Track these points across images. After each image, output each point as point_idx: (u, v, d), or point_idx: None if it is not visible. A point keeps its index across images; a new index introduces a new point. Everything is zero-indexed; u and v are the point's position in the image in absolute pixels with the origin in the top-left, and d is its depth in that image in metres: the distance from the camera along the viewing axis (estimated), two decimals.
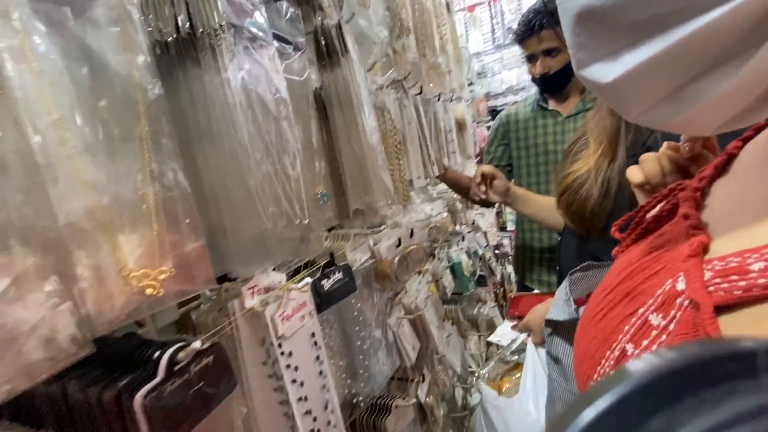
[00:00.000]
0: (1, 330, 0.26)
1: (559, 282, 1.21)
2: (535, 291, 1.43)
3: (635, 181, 0.51)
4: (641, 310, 0.25)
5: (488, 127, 2.45)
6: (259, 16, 0.50)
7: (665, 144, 0.49)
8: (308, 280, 0.54)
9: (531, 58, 1.39)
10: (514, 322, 1.01)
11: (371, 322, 0.82)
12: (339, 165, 0.72)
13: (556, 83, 1.40)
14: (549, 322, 0.62)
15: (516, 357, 1.07)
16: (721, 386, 0.11)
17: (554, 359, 0.61)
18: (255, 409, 0.51)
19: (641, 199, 0.60)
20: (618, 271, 0.32)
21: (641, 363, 0.12)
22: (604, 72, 0.23)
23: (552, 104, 1.46)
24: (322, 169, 0.62)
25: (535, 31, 1.32)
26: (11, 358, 0.27)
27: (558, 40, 1.31)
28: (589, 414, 0.11)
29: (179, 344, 0.37)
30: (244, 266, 0.48)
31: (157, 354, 0.36)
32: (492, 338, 1.10)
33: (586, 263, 0.58)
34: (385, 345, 0.88)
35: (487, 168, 1.21)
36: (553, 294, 0.98)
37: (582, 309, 0.55)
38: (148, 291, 0.33)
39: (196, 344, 0.37)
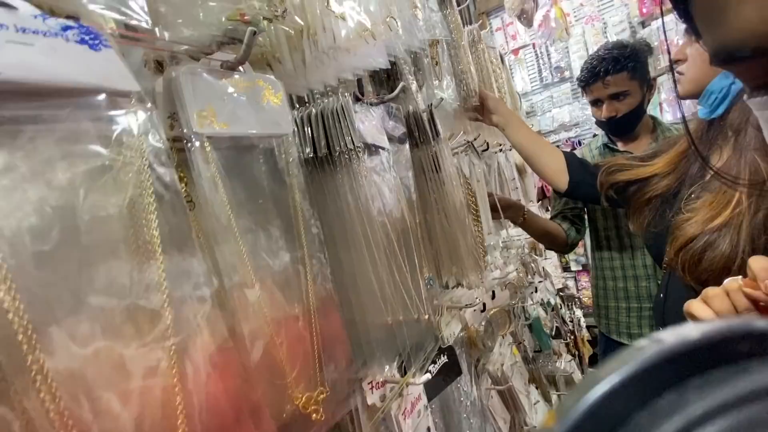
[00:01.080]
0: None
1: (655, 319, 1.07)
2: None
3: (705, 318, 0.47)
4: None
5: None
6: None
7: (740, 280, 0.46)
8: (429, 375, 0.53)
9: (596, 103, 1.37)
10: None
11: (470, 402, 0.78)
12: (433, 242, 0.72)
13: (623, 126, 1.36)
14: None
15: None
16: (731, 366, 0.11)
17: None
18: None
19: None
20: None
21: (651, 342, 0.11)
22: None
23: (621, 146, 1.41)
24: (426, 254, 0.62)
25: (600, 76, 1.30)
26: None
27: (625, 84, 1.28)
28: (596, 392, 0.11)
29: None
30: (379, 367, 0.48)
31: None
32: None
33: None
34: (479, 420, 0.82)
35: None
36: None
37: None
38: (314, 417, 0.33)
39: None
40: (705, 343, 0.11)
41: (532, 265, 1.60)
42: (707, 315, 0.47)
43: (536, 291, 1.55)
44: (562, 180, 1.13)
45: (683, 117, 0.65)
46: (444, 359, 0.63)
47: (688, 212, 0.82)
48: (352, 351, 0.49)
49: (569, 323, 2.47)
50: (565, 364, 1.77)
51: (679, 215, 0.84)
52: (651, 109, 2.62)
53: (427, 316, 0.51)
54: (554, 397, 1.64)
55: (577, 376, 1.82)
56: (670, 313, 0.95)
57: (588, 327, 2.53)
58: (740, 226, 0.70)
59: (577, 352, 2.51)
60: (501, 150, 1.58)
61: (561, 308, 2.14)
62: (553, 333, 1.62)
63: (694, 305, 0.49)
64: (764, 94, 0.27)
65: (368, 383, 0.52)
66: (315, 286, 0.39)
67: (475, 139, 1.14)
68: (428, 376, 0.52)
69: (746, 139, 0.67)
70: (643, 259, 1.34)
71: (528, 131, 1.20)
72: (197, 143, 0.34)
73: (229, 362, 0.29)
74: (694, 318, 0.51)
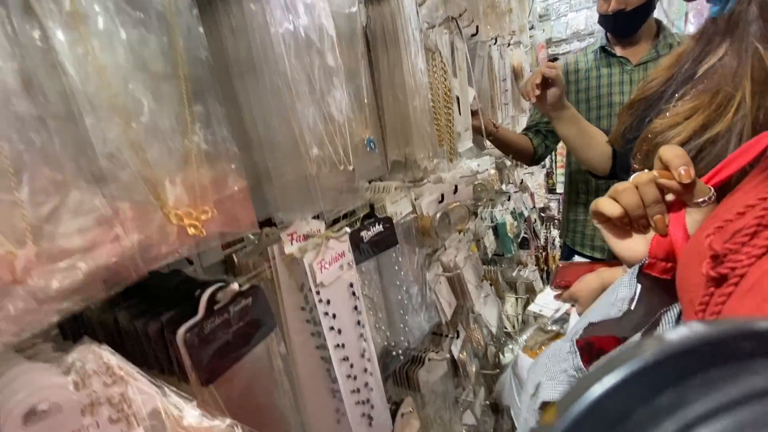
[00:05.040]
0: (53, 246, 0.27)
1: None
2: (585, 260, 1.35)
3: (613, 213, 0.45)
4: None
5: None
6: None
7: (654, 171, 0.42)
8: (346, 229, 0.52)
9: None
10: (558, 292, 0.95)
11: (410, 277, 0.81)
12: (380, 111, 0.67)
13: (629, 23, 1.22)
14: (589, 326, 0.51)
15: (556, 327, 1.03)
16: (733, 365, 0.11)
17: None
18: (294, 352, 0.52)
19: (608, 236, 0.51)
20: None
21: (653, 341, 0.11)
22: None
23: (619, 51, 1.28)
24: (370, 114, 0.57)
25: None
26: (65, 273, 0.27)
27: None
28: (597, 389, 0.11)
29: (218, 285, 0.37)
30: (287, 211, 0.47)
31: (197, 292, 0.36)
32: (533, 307, 1.05)
33: None
34: (422, 301, 0.87)
35: (552, 73, 1.05)
36: (605, 263, 0.90)
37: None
38: (191, 231, 0.32)
39: (234, 286, 0.37)
40: (707, 342, 0.11)
41: (509, 173, 1.57)
42: (614, 211, 0.45)
43: (509, 200, 1.54)
44: (606, 166, 1.07)
45: None
46: (380, 228, 0.63)
47: (672, 116, 0.74)
48: (265, 196, 0.47)
49: (542, 240, 2.55)
50: (528, 273, 1.86)
51: (659, 118, 0.76)
52: (676, 20, 2.35)
53: (351, 168, 0.48)
54: (511, 299, 1.75)
55: (539, 285, 1.93)
56: None
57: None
58: (742, 132, 0.62)
59: (546, 268, 2.64)
60: (496, 43, 1.43)
61: (535, 223, 2.17)
62: (519, 241, 1.66)
63: (600, 202, 0.46)
64: None
65: (288, 234, 0.51)
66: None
67: (459, 16, 1.01)
68: (347, 230, 0.52)
69: (752, 29, 0.57)
70: None
71: (578, 125, 1.09)
72: None
73: None
74: (601, 217, 0.48)
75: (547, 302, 1.01)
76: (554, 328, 1.02)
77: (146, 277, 0.33)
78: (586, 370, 0.43)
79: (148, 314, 0.36)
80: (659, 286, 0.47)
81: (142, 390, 0.29)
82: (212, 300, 0.36)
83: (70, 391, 0.26)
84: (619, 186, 0.45)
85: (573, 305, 0.89)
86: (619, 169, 1.05)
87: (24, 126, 0.24)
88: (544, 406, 0.49)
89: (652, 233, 0.46)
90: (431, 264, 1.01)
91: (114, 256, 0.28)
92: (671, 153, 0.40)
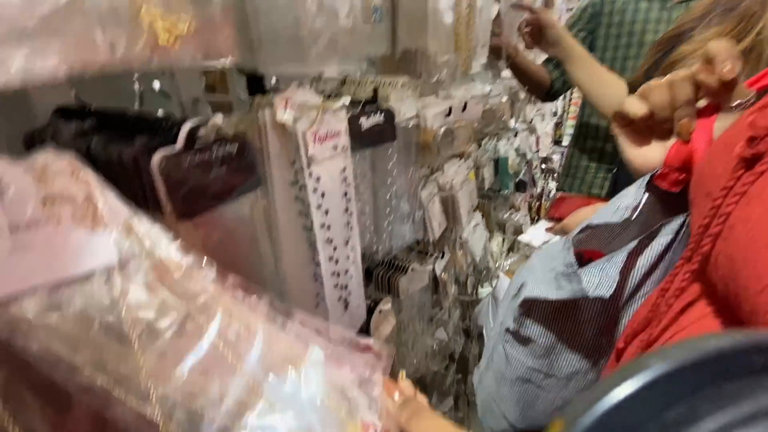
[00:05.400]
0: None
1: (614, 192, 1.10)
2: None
3: (638, 113, 0.42)
4: None
5: (569, 10, 2.03)
6: None
7: (693, 67, 0.38)
8: (346, 100, 0.49)
9: None
10: (551, 224, 0.95)
11: (403, 185, 0.79)
12: None
13: None
14: (587, 228, 0.48)
15: None
16: (746, 379, 0.10)
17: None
18: (279, 230, 0.51)
19: (625, 142, 0.48)
20: None
21: (661, 354, 0.11)
22: None
23: None
24: None
25: None
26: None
27: None
28: (606, 403, 0.10)
29: (200, 119, 0.34)
30: (275, 63, 0.42)
31: (177, 125, 0.33)
32: (522, 237, 1.06)
33: None
34: (411, 216, 0.86)
35: (546, 18, 1.01)
36: (600, 199, 0.89)
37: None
38: (162, 38, 0.28)
39: (218, 119, 0.34)
40: (718, 355, 0.11)
41: (520, 108, 1.49)
42: (640, 110, 0.42)
43: (515, 136, 1.49)
44: None
45: None
46: (380, 118, 0.59)
47: (698, 41, 0.69)
48: (252, 42, 0.43)
49: (539, 189, 2.53)
50: (520, 216, 1.87)
51: (686, 44, 0.72)
52: None
53: (350, 25, 0.43)
54: (498, 239, 1.78)
55: (527, 229, 1.95)
56: (620, 186, 0.94)
57: None
58: (761, 54, 0.59)
59: (537, 218, 2.66)
60: None
61: (536, 169, 2.14)
62: (516, 182, 1.64)
63: (628, 101, 0.44)
64: None
65: (282, 98, 0.47)
66: None
67: None
68: (346, 101, 0.48)
69: None
70: None
71: (593, 68, 1.01)
72: None
73: None
74: (623, 120, 0.46)
75: (537, 234, 1.02)
76: None
77: (124, 110, 0.30)
78: (577, 266, 0.43)
79: (123, 142, 0.33)
80: (666, 200, 0.46)
81: (111, 203, 0.28)
82: (192, 135, 0.34)
83: (28, 178, 0.24)
84: (652, 83, 0.41)
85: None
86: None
87: None
88: (525, 304, 0.50)
89: (671, 141, 0.43)
90: (427, 182, 0.99)
91: (79, 40, 0.24)
92: (720, 46, 0.35)
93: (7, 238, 0.23)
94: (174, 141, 0.32)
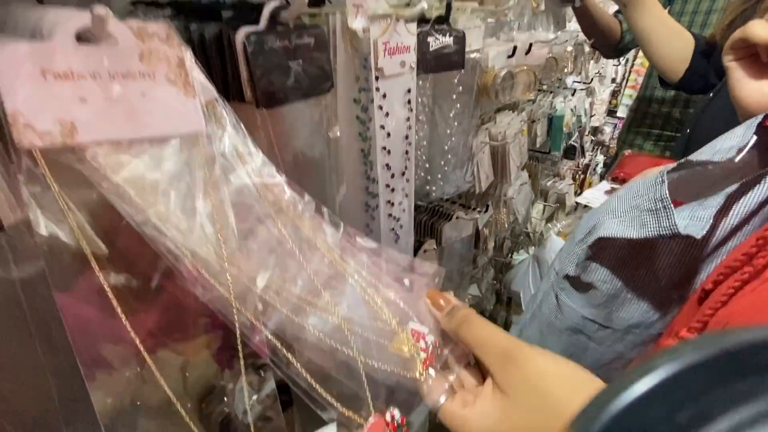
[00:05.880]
0: None
1: (684, 151, 1.02)
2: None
3: (764, 37, 0.37)
4: None
5: None
6: None
7: None
8: (424, 5, 0.45)
9: None
10: (611, 186, 0.88)
11: (461, 131, 0.75)
12: None
13: None
14: (685, 164, 0.43)
15: None
16: (758, 377, 0.10)
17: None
18: (339, 147, 0.50)
19: (740, 76, 0.42)
20: None
21: (671, 353, 0.11)
22: None
23: None
24: None
25: None
26: None
27: None
28: (617, 405, 0.10)
29: (281, 1, 0.31)
30: None
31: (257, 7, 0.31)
32: (580, 199, 1.00)
33: None
34: (466, 163, 0.82)
35: None
36: (671, 160, 0.82)
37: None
38: None
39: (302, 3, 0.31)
40: (730, 353, 0.10)
41: (583, 63, 1.37)
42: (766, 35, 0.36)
43: (573, 95, 1.38)
44: (680, 69, 0.92)
45: None
46: (449, 40, 0.54)
47: None
48: None
49: (587, 160, 2.40)
50: (564, 185, 1.78)
51: None
52: None
53: None
54: (539, 206, 1.71)
55: (570, 201, 1.86)
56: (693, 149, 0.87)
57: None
58: None
59: (579, 191, 2.54)
60: None
61: (586, 136, 2.01)
62: (566, 149, 1.55)
63: (752, 24, 0.39)
64: None
65: (354, 5, 0.44)
66: None
67: None
68: (424, 6, 0.44)
69: None
70: None
71: (657, 13, 0.91)
72: None
73: None
74: (740, 50, 0.40)
75: (597, 196, 0.96)
76: None
77: None
78: (669, 200, 0.39)
79: (205, 22, 0.32)
80: None
81: (199, 77, 0.27)
82: (275, 18, 0.31)
83: (128, 30, 0.23)
84: None
85: None
86: (705, 71, 0.91)
87: None
88: (595, 245, 0.47)
89: None
90: (478, 131, 0.94)
91: None
92: None
93: (107, 83, 0.22)
94: (257, 17, 0.30)
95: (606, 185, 0.94)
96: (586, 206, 0.97)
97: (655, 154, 1.27)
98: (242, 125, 0.29)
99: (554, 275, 0.56)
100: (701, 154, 0.42)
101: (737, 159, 0.42)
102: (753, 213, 0.41)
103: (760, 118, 0.41)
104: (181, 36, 0.34)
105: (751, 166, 0.42)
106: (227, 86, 0.32)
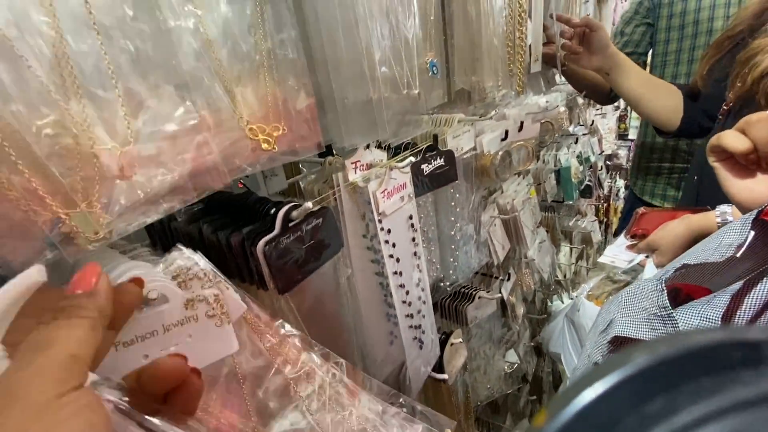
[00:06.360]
0: (151, 147, 0.28)
1: (688, 200, 1.00)
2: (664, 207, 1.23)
3: (738, 148, 0.39)
4: None
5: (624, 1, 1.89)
6: None
7: None
8: (411, 159, 0.51)
9: None
10: (633, 242, 0.88)
11: (465, 215, 0.79)
12: (447, 32, 0.60)
13: None
14: (683, 268, 0.43)
15: (626, 277, 0.97)
16: (723, 374, 0.11)
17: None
18: (354, 276, 0.55)
19: (725, 175, 0.44)
20: None
21: (644, 348, 0.11)
22: None
23: None
24: (435, 34, 0.52)
25: None
26: (162, 173, 0.29)
27: None
28: (587, 395, 0.11)
29: (293, 203, 0.38)
30: (349, 137, 0.46)
31: (273, 210, 0.37)
32: (603, 259, 0.99)
33: None
34: (475, 240, 0.86)
35: (595, 22, 0.98)
36: (691, 210, 0.82)
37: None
38: (265, 146, 0.32)
39: (308, 204, 0.38)
40: (698, 350, 0.11)
41: (579, 113, 1.42)
42: (741, 145, 0.39)
43: (576, 142, 1.41)
44: (675, 119, 0.97)
45: None
46: (440, 162, 0.60)
47: None
48: (327, 120, 0.47)
49: (606, 189, 2.36)
50: (587, 223, 1.76)
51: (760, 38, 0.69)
52: None
53: (416, 91, 0.45)
54: (565, 249, 1.69)
55: (596, 237, 1.82)
56: (704, 195, 0.87)
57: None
58: None
59: (605, 220, 2.48)
60: None
61: (601, 170, 2.00)
62: (581, 189, 1.55)
63: (724, 136, 0.41)
64: None
65: (352, 162, 0.51)
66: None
67: None
68: (411, 160, 0.50)
69: None
70: None
71: (639, 73, 0.98)
72: None
73: None
74: (720, 154, 0.42)
75: (618, 253, 0.95)
76: (624, 278, 0.97)
77: (225, 193, 0.35)
78: (672, 309, 0.40)
79: (230, 228, 0.38)
80: None
81: (231, 300, 0.32)
82: (287, 218, 0.38)
83: (175, 286, 0.29)
84: (752, 117, 0.38)
85: (648, 256, 0.83)
86: (698, 116, 0.93)
87: (123, 29, 0.25)
88: (615, 342, 0.47)
89: None
90: (487, 205, 0.98)
91: (201, 161, 0.29)
92: None
93: (161, 336, 0.28)
94: (272, 222, 0.37)
95: (623, 241, 0.94)
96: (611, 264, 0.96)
97: (665, 195, 1.26)
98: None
99: (587, 359, 0.56)
100: (700, 256, 0.44)
101: (738, 255, 0.42)
102: (765, 307, 0.41)
103: (753, 213, 0.43)
104: (211, 238, 0.40)
105: (754, 262, 0.43)
106: (252, 278, 0.38)
